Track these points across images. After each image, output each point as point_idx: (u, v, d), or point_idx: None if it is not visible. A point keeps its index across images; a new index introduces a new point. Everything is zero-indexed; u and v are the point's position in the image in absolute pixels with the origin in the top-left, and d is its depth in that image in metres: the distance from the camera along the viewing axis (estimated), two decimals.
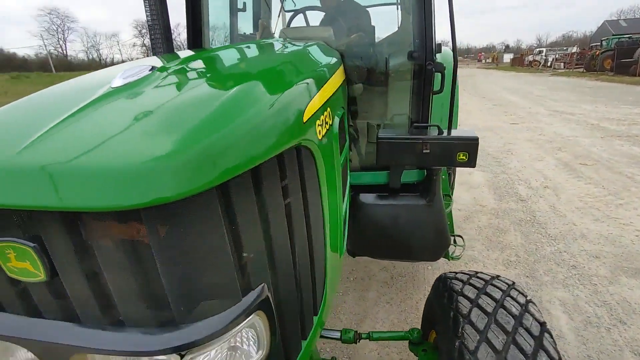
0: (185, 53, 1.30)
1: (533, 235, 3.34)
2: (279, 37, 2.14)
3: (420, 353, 1.50)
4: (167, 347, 0.56)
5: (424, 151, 1.80)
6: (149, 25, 1.90)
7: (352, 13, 2.72)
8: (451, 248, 2.55)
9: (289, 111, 0.75)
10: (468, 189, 4.56)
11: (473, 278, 1.27)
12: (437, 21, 2.55)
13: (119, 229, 0.54)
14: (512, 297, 1.14)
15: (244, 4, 2.76)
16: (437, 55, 2.92)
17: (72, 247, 0.54)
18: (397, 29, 2.61)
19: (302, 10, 2.62)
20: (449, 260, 2.40)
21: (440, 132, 1.83)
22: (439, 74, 2.07)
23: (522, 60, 43.19)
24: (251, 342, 0.68)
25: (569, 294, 2.52)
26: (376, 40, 2.68)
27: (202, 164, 0.51)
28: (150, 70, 0.76)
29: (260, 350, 0.69)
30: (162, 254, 0.55)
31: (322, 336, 1.49)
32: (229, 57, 1.11)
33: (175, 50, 1.73)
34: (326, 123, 0.98)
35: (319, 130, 0.90)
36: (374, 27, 2.75)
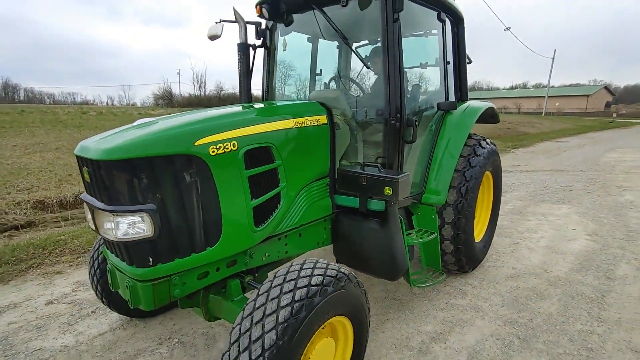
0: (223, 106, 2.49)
1: (576, 310, 2.96)
2: (310, 99, 3.05)
3: None
4: (108, 210, 1.66)
5: (363, 183, 2.41)
6: (239, 83, 3.22)
7: None
8: (423, 277, 2.82)
9: (179, 137, 1.75)
10: (548, 253, 4.12)
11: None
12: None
13: (117, 173, 1.67)
14: (307, 277, 1.69)
15: (321, 70, 3.84)
16: (466, 104, 3.29)
17: (92, 171, 1.71)
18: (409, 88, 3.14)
19: (335, 78, 3.50)
20: (411, 286, 2.70)
21: (380, 171, 2.38)
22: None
23: None
24: (145, 226, 1.69)
25: None
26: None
27: (119, 151, 1.60)
28: (148, 120, 1.93)
29: (149, 232, 1.70)
30: (113, 181, 1.66)
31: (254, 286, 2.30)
32: (219, 109, 2.21)
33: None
34: (226, 148, 1.91)
35: (213, 150, 1.84)
36: (417, 86, 3.36)
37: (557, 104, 61.83)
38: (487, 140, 3.47)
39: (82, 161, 1.79)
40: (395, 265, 2.54)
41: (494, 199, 3.86)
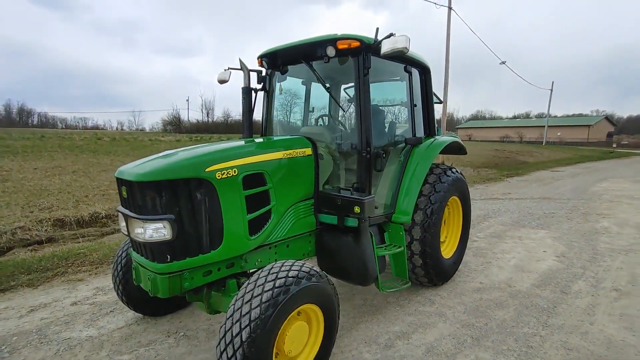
0: (225, 141, 3.11)
1: (527, 317, 3.41)
2: (301, 133, 3.67)
3: None
4: (139, 218, 2.24)
5: (338, 203, 2.98)
6: (242, 120, 3.86)
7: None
8: (391, 284, 3.33)
9: (194, 165, 2.34)
10: (516, 271, 4.57)
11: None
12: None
13: (147, 191, 2.26)
14: (286, 271, 2.22)
15: (313, 108, 4.48)
16: (433, 138, 3.89)
17: (128, 189, 2.30)
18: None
19: (323, 116, 4.15)
20: (380, 290, 3.19)
21: (351, 193, 2.96)
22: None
23: None
24: (165, 231, 2.26)
25: None
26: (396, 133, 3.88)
27: (150, 175, 2.20)
28: (170, 152, 2.55)
29: (169, 236, 2.26)
30: (144, 197, 2.25)
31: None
32: (223, 143, 2.83)
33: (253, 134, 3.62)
34: (229, 174, 2.49)
35: (219, 175, 2.43)
36: (393, 123, 3.99)
37: (558, 134, 62.62)
38: (453, 169, 4.04)
39: (120, 182, 2.40)
40: (366, 272, 3.04)
41: (463, 221, 4.37)
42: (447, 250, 4.17)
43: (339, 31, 3.08)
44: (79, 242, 6.11)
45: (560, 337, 3.08)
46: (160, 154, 2.55)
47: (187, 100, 77.31)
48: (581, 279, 4.33)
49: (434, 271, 3.75)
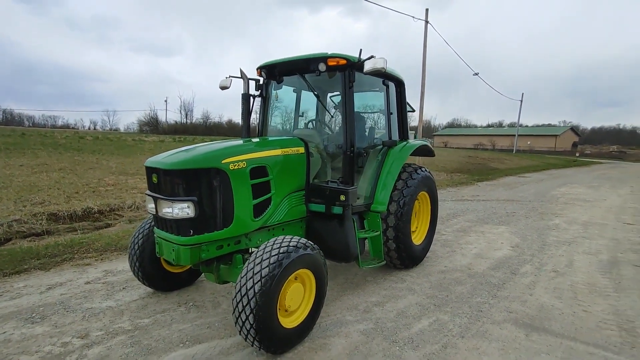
0: (228, 139, 3.65)
1: (480, 291, 4.11)
2: (294, 135, 4.28)
3: None
4: (168, 199, 2.78)
5: (327, 193, 3.59)
6: (241, 122, 4.41)
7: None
8: (369, 262, 3.96)
9: (212, 158, 2.88)
10: (476, 258, 5.31)
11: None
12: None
13: (175, 178, 2.79)
14: (287, 242, 2.80)
15: (303, 113, 5.09)
16: (405, 142, 4.55)
17: (159, 176, 2.82)
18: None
19: (312, 120, 4.77)
20: (360, 267, 3.81)
21: (338, 185, 3.57)
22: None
23: None
24: (189, 210, 2.80)
25: None
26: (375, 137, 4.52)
27: (178, 164, 2.74)
28: (190, 147, 3.08)
29: (192, 214, 2.80)
30: (173, 182, 2.78)
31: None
32: (231, 141, 3.38)
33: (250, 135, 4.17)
34: (239, 165, 3.05)
35: (232, 167, 2.97)
36: (372, 128, 4.65)
37: (528, 143, 65.94)
38: (423, 169, 4.73)
39: (150, 170, 2.91)
40: (348, 251, 3.66)
41: (431, 213, 5.07)
42: (417, 238, 4.85)
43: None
44: (77, 235, 6.43)
45: (505, 304, 3.80)
46: (182, 149, 3.08)
47: (166, 101, 76.72)
48: (529, 263, 5.11)
49: (406, 254, 4.41)
